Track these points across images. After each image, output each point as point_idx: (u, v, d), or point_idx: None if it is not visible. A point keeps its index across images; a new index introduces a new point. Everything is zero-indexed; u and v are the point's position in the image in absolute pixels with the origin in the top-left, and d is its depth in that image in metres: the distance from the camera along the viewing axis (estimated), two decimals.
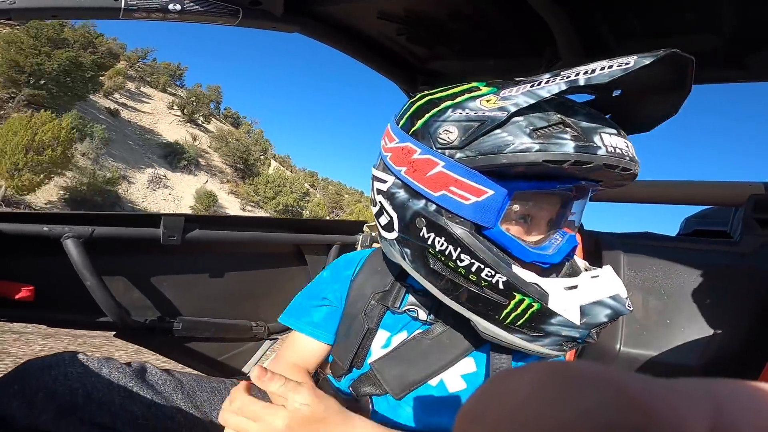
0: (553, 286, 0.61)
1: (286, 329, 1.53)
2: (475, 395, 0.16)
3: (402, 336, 0.82)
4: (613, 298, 0.62)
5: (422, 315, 0.81)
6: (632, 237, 1.30)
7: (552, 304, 0.59)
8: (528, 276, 0.61)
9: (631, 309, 0.64)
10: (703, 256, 1.17)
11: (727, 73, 1.24)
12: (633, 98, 0.65)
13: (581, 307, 0.61)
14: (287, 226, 1.55)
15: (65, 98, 22.83)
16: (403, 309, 0.82)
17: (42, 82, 21.39)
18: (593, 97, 0.68)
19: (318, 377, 0.91)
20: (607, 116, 0.67)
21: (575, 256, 0.73)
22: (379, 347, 0.83)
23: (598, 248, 1.24)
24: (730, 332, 1.06)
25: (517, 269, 0.61)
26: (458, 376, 0.77)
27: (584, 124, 0.58)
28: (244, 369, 1.53)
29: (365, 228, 1.74)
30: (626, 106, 0.66)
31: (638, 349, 1.14)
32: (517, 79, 0.64)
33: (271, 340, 1.59)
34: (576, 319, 0.60)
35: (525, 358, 0.75)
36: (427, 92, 0.71)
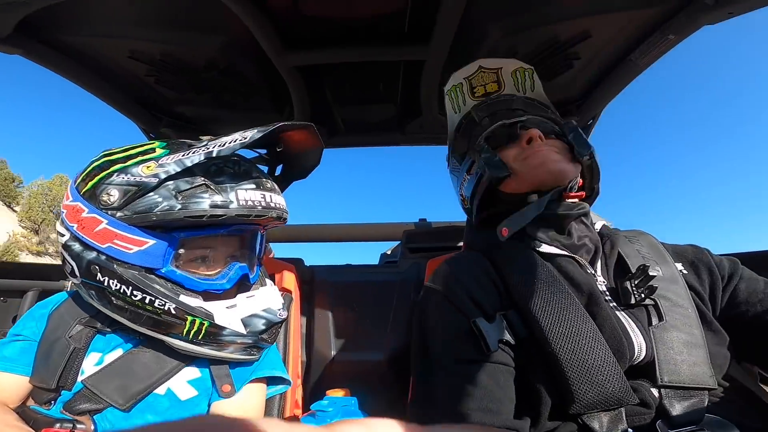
0: (216, 307, 0.80)
1: None
2: None
3: (116, 354, 0.86)
4: (265, 310, 0.85)
5: (134, 332, 0.88)
6: (338, 268, 1.69)
7: (218, 321, 0.80)
8: (194, 302, 0.78)
9: (283, 317, 0.89)
10: (381, 276, 1.63)
11: (396, 137, 1.80)
12: (290, 153, 0.96)
13: (242, 320, 0.83)
14: None
15: None
16: (115, 328, 0.88)
17: None
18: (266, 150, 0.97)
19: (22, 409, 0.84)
20: (279, 166, 0.99)
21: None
22: (91, 365, 0.85)
23: (312, 277, 1.58)
24: (400, 329, 1.49)
25: (184, 297, 0.78)
26: (185, 383, 0.87)
27: (226, 184, 0.77)
28: None
29: None
30: (288, 159, 0.98)
31: (346, 352, 1.46)
32: (192, 141, 0.85)
33: None
34: (241, 329, 0.82)
35: (237, 366, 0.91)
36: (107, 152, 0.85)
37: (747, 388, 0.76)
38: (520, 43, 1.00)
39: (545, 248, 0.83)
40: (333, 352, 1.46)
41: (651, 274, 0.75)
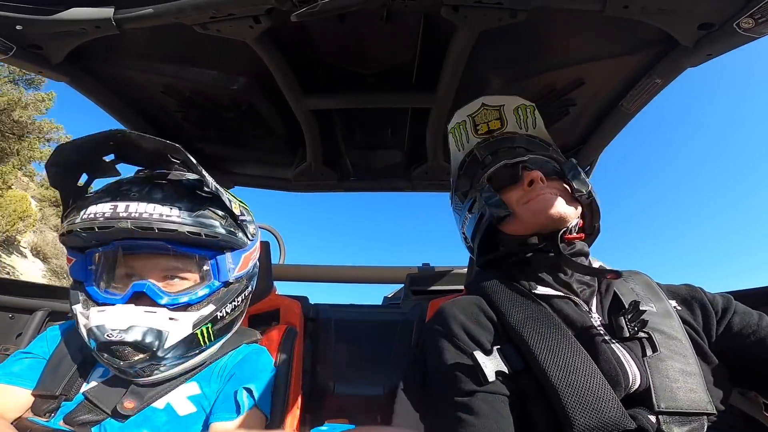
0: (81, 313, 0.87)
1: None
2: None
3: None
4: (98, 326, 0.83)
5: None
6: (342, 306, 1.73)
7: (80, 324, 0.86)
8: (81, 310, 0.87)
9: (113, 338, 0.82)
10: (384, 315, 1.67)
11: (402, 183, 1.87)
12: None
13: (86, 329, 0.85)
14: None
15: None
16: None
17: None
18: None
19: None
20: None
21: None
22: (97, 377, 0.90)
23: (317, 315, 1.61)
24: (401, 366, 1.49)
25: (80, 308, 0.88)
26: (185, 399, 0.90)
27: (87, 201, 0.85)
28: None
29: None
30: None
31: (347, 386, 1.47)
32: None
33: None
34: (87, 335, 0.85)
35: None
36: None
37: (752, 417, 0.75)
38: (520, 91, 1.09)
39: (541, 290, 0.87)
40: (334, 386, 1.46)
41: (644, 309, 0.79)
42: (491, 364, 0.73)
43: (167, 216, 0.83)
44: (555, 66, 1.25)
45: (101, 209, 0.81)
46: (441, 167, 1.70)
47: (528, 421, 0.73)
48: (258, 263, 1.10)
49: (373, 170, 1.83)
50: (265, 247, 1.52)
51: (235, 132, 1.61)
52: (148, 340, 0.83)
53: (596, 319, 0.83)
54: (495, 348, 0.77)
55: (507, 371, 0.74)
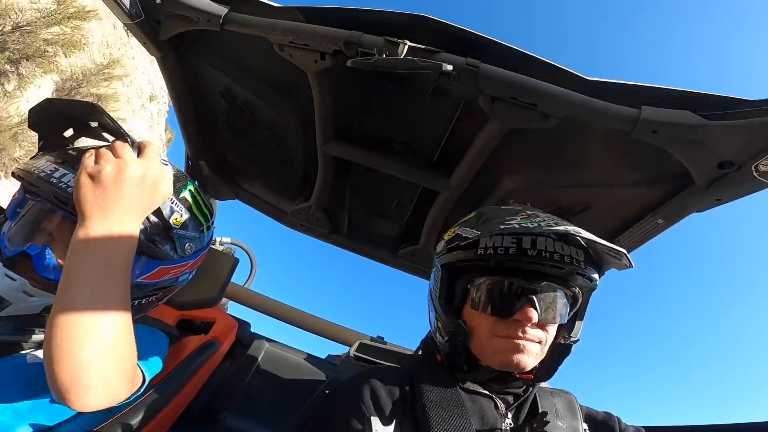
0: None
1: None
2: None
3: None
4: None
5: None
6: (281, 344, 1.70)
7: None
8: None
9: None
10: (315, 367, 1.60)
11: (387, 257, 1.90)
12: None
13: None
14: None
15: None
16: None
17: None
18: None
19: None
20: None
21: None
22: None
23: (251, 342, 1.58)
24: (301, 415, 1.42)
25: None
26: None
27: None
28: None
29: None
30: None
31: (238, 421, 1.38)
32: None
33: None
34: None
35: None
36: None
37: None
38: (526, 200, 1.10)
39: (469, 385, 0.91)
40: (225, 416, 1.37)
41: (548, 420, 0.83)
42: None
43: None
44: (568, 184, 1.27)
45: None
46: (428, 254, 1.74)
47: None
48: (185, 279, 1.04)
49: (366, 235, 1.88)
50: (231, 263, 1.52)
51: (260, 150, 1.68)
52: None
53: (508, 424, 0.86)
54: (395, 420, 0.79)
55: None
